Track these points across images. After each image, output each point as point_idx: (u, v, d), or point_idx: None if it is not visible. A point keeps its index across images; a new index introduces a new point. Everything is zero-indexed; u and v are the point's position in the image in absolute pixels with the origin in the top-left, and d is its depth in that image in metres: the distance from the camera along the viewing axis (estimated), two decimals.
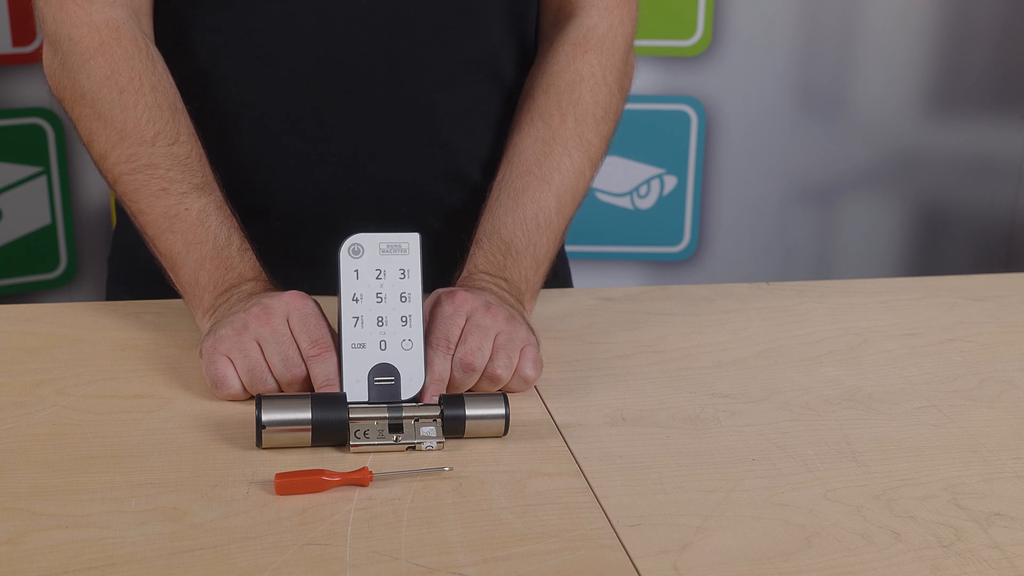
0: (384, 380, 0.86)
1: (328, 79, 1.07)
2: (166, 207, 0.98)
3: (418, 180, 1.11)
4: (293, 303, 0.88)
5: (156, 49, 1.04)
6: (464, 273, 1.01)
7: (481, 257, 1.01)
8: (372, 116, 1.08)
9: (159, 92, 1.01)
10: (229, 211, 1.00)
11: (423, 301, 0.90)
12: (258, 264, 0.98)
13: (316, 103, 1.07)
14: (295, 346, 0.86)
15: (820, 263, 2.30)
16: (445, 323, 0.88)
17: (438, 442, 0.82)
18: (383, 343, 0.86)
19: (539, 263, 1.04)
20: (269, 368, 0.87)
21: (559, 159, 1.06)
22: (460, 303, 0.90)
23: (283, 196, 1.10)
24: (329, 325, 0.88)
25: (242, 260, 0.97)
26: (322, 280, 0.99)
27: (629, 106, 1.15)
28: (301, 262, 1.08)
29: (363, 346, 0.86)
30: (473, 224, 1.06)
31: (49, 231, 2.04)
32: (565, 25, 1.12)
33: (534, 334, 0.93)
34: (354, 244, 0.87)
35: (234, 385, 0.87)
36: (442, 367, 0.87)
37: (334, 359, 0.86)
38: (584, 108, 1.08)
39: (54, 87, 1.04)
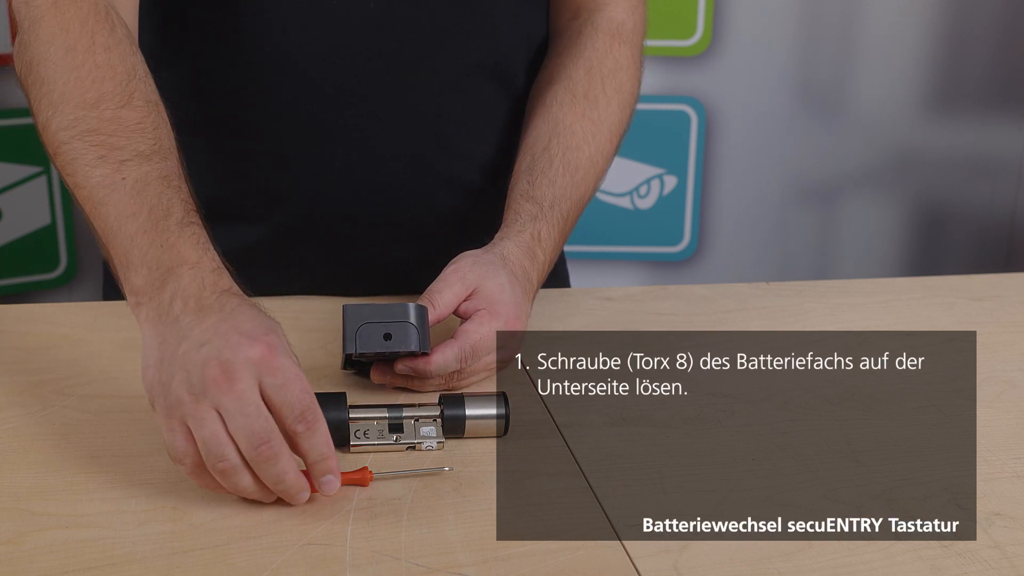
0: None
1: (334, 83, 1.05)
2: (101, 177, 0.84)
3: (421, 184, 1.10)
4: (262, 359, 0.72)
5: (121, 18, 0.93)
6: (528, 235, 0.98)
7: (545, 229, 1.00)
8: (377, 120, 1.07)
9: (113, 54, 0.88)
10: (180, 182, 0.85)
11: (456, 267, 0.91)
12: (204, 239, 0.82)
13: (321, 107, 1.06)
14: (268, 419, 0.72)
15: (820, 263, 2.30)
16: (484, 345, 0.89)
17: (438, 442, 0.82)
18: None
19: (556, 255, 1.05)
20: (234, 442, 0.72)
21: (602, 145, 1.07)
22: (514, 340, 0.90)
23: (287, 199, 1.09)
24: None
25: (181, 234, 0.81)
26: (323, 283, 0.99)
27: None
28: (303, 265, 1.08)
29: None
30: (471, 228, 1.05)
31: (49, 231, 2.04)
32: (592, 17, 1.12)
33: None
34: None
35: (193, 461, 0.73)
36: (448, 362, 0.88)
37: (324, 426, 0.74)
38: (625, 96, 1.10)
39: (17, 70, 0.92)
